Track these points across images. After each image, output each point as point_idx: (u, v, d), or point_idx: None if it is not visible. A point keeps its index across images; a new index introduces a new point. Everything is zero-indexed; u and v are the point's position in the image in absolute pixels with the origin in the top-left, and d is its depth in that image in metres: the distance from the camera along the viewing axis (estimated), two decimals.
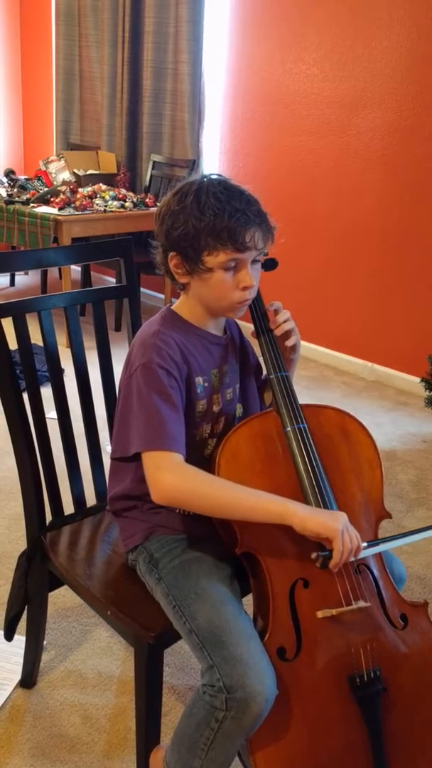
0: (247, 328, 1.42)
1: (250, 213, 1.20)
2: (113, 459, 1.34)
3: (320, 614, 1.18)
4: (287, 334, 1.36)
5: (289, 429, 1.27)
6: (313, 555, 1.18)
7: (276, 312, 1.36)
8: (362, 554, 1.18)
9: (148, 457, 1.19)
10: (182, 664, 1.78)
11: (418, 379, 3.18)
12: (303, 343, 3.89)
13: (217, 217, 1.19)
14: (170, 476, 1.17)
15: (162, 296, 4.64)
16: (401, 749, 1.20)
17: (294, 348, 1.39)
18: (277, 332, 1.35)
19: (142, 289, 4.71)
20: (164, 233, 1.25)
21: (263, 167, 4.03)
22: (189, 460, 1.31)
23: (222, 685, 1.10)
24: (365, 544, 1.18)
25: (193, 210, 1.20)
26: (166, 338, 1.26)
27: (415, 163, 3.39)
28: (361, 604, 1.20)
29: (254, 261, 1.26)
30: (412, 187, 3.43)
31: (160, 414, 1.19)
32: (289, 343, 1.37)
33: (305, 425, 1.28)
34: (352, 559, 1.17)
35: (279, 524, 1.16)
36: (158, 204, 4.11)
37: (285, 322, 1.36)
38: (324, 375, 3.86)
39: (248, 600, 1.29)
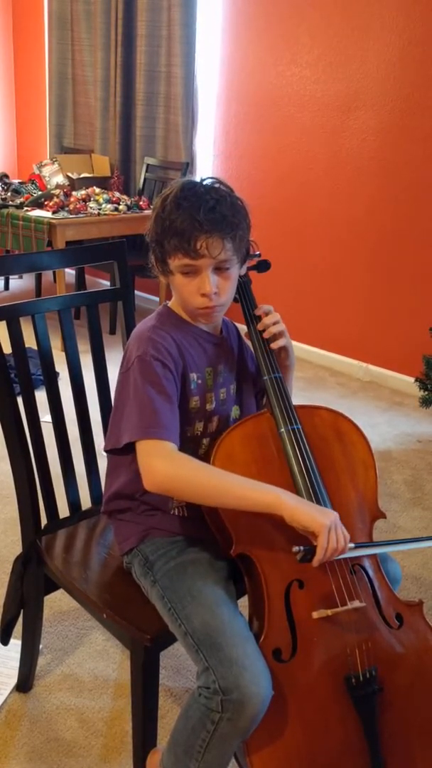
0: (243, 329, 1.42)
1: (206, 220, 1.19)
2: (105, 451, 1.34)
3: (316, 615, 1.18)
4: (275, 337, 1.36)
5: (283, 430, 1.28)
6: (294, 548, 1.17)
7: (266, 314, 1.37)
8: (347, 555, 1.17)
9: (141, 445, 1.20)
10: (179, 667, 1.78)
11: (412, 379, 3.19)
12: (298, 344, 3.93)
13: (172, 223, 1.20)
14: (162, 463, 1.18)
15: (157, 299, 4.64)
16: (398, 749, 1.20)
17: (286, 352, 1.39)
18: (265, 335, 1.36)
19: (136, 292, 4.71)
20: (146, 234, 1.28)
21: (257, 169, 4.03)
22: None
23: (218, 687, 1.10)
24: (352, 545, 1.18)
25: (159, 214, 1.24)
26: (162, 332, 1.28)
27: (409, 163, 3.40)
28: (357, 604, 1.20)
29: (220, 268, 1.24)
30: (406, 188, 3.44)
31: (154, 404, 1.20)
32: (275, 345, 1.36)
33: (299, 426, 1.28)
34: (340, 557, 1.16)
35: (274, 525, 1.17)
36: (152, 207, 4.09)
37: (273, 324, 1.36)
38: (319, 376, 3.86)
39: (244, 602, 1.29)
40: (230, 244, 1.23)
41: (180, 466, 1.18)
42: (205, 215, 1.19)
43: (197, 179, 1.26)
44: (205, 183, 1.25)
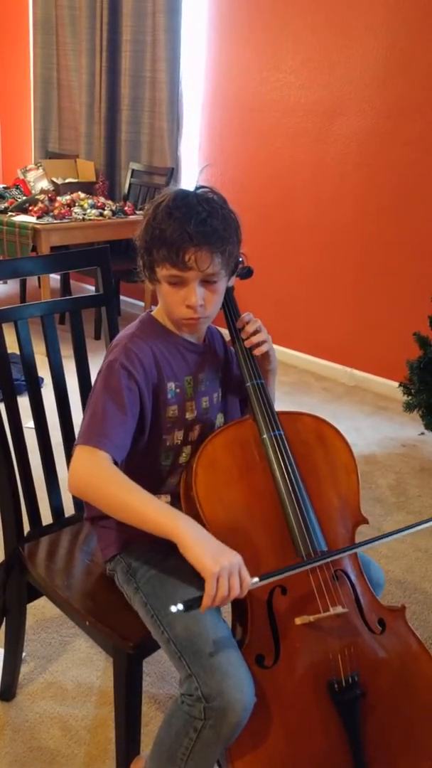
0: (226, 335, 1.43)
1: (196, 233, 1.17)
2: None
3: (298, 621, 1.18)
4: (257, 345, 1.36)
5: (265, 436, 1.28)
6: (172, 608, 1.07)
7: (247, 323, 1.37)
8: (253, 587, 1.11)
9: (78, 449, 1.20)
10: (162, 673, 1.77)
11: (396, 384, 3.21)
12: (283, 349, 3.95)
13: (162, 232, 1.19)
14: (83, 468, 1.18)
15: (142, 303, 4.63)
16: (381, 753, 1.20)
17: (268, 358, 1.39)
18: (246, 344, 1.36)
19: (122, 297, 4.71)
20: (135, 240, 1.27)
21: (242, 175, 4.05)
22: (163, 466, 1.32)
23: (200, 694, 1.09)
24: (256, 579, 1.11)
25: (149, 221, 1.22)
26: (140, 342, 1.28)
27: (393, 169, 3.43)
28: (339, 610, 1.20)
29: (208, 281, 1.24)
30: (390, 194, 3.47)
31: (104, 412, 1.20)
32: (257, 352, 1.36)
33: (282, 432, 1.29)
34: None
35: (255, 531, 1.17)
36: (138, 212, 4.05)
37: (254, 334, 1.35)
38: (304, 380, 3.87)
39: (227, 609, 1.29)
40: (219, 258, 1.22)
41: (96, 475, 1.17)
42: (196, 227, 1.18)
43: (190, 188, 1.25)
44: (198, 193, 1.24)
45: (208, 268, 1.21)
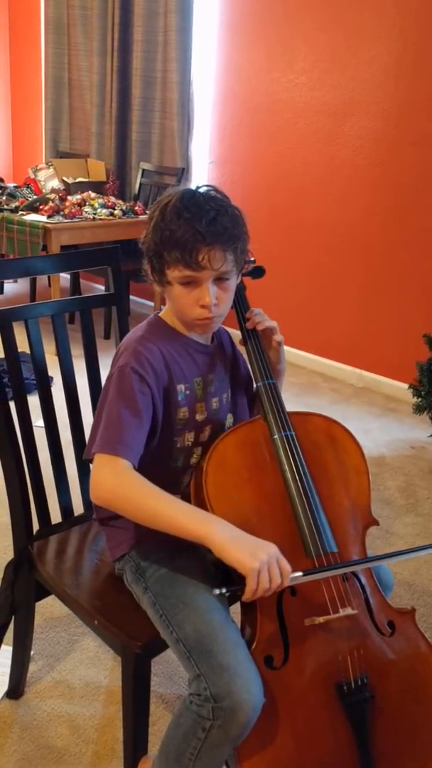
0: (237, 335, 1.42)
1: (208, 232, 1.17)
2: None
3: (308, 622, 1.18)
4: (269, 332, 1.37)
5: (276, 437, 1.27)
6: (216, 591, 1.12)
7: (255, 314, 1.38)
8: (292, 582, 1.13)
9: (98, 458, 1.20)
10: (170, 673, 1.77)
11: (406, 386, 3.20)
12: (292, 349, 3.94)
13: (172, 233, 1.18)
14: (108, 479, 1.17)
15: (152, 303, 4.64)
16: (388, 756, 1.20)
17: (277, 356, 1.39)
18: (259, 328, 1.36)
19: (131, 297, 4.71)
20: (141, 242, 1.26)
21: (252, 175, 4.04)
22: (174, 467, 1.31)
23: (209, 694, 1.09)
24: (300, 573, 1.13)
25: (157, 223, 1.21)
26: (149, 345, 1.27)
27: (403, 171, 3.41)
28: (348, 611, 1.20)
29: (220, 279, 1.24)
30: (400, 195, 3.46)
31: (120, 419, 1.20)
32: (277, 338, 1.37)
33: (293, 433, 1.28)
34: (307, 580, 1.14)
35: (265, 532, 1.16)
36: (148, 212, 4.10)
37: (265, 320, 1.37)
38: (312, 382, 3.87)
39: (236, 608, 1.29)
40: (231, 255, 1.22)
41: (122, 485, 1.17)
42: (207, 227, 1.18)
43: (193, 187, 1.25)
44: (203, 192, 1.24)
45: (221, 266, 1.21)
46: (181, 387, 1.30)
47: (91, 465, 1.23)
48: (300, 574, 1.13)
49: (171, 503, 1.15)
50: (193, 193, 1.22)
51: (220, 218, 1.19)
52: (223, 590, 1.11)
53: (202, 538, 1.10)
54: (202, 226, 1.17)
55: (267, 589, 1.08)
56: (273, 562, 1.09)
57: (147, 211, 4.11)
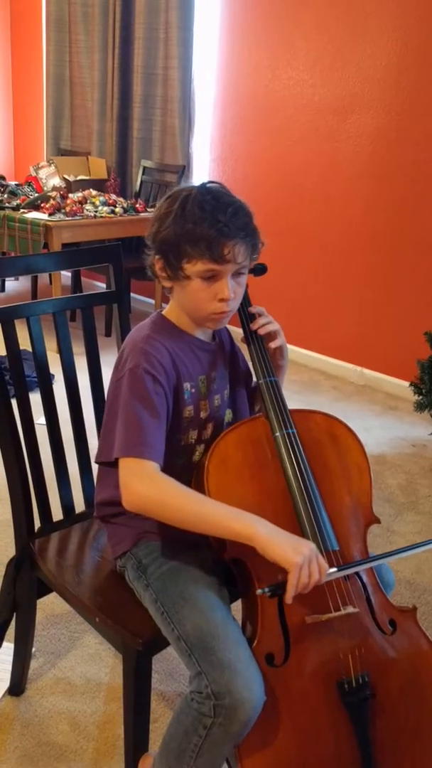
0: (237, 333, 1.42)
1: (232, 226, 1.18)
2: (97, 462, 1.33)
3: (309, 620, 1.18)
4: (271, 336, 1.37)
5: (278, 434, 1.27)
6: (258, 591, 1.14)
7: (259, 315, 1.38)
8: (328, 578, 1.15)
9: (123, 462, 1.19)
10: (171, 671, 1.77)
11: (407, 384, 3.19)
12: (293, 347, 3.92)
13: (197, 226, 1.18)
14: (141, 484, 1.17)
15: (152, 301, 4.64)
16: (389, 755, 1.20)
17: (281, 352, 1.39)
18: (261, 332, 1.36)
19: (132, 295, 4.71)
20: (152, 236, 1.25)
21: (253, 173, 4.04)
22: (176, 465, 1.31)
23: (210, 692, 1.09)
24: (334, 569, 1.15)
25: (177, 216, 1.20)
26: (156, 343, 1.26)
27: (405, 168, 3.41)
28: (350, 609, 1.20)
29: (237, 273, 1.25)
30: (401, 192, 3.45)
31: (140, 421, 1.19)
32: (273, 344, 1.37)
33: (294, 430, 1.28)
34: (330, 578, 1.15)
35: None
36: (149, 209, 4.05)
37: (268, 323, 1.37)
38: (314, 379, 3.87)
39: (237, 606, 1.29)
40: (250, 250, 1.23)
41: (158, 490, 1.17)
42: (230, 220, 1.19)
43: (197, 184, 1.26)
44: (218, 187, 1.25)
45: (243, 260, 1.22)
46: (187, 385, 1.30)
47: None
48: (335, 569, 1.15)
49: (208, 504, 1.16)
50: (210, 188, 1.23)
51: (240, 212, 1.21)
52: (266, 590, 1.13)
53: (246, 537, 1.12)
54: (226, 219, 1.18)
55: (306, 584, 1.10)
56: (313, 557, 1.12)
57: (149, 209, 4.11)
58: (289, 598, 1.11)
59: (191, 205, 1.19)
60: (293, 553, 1.10)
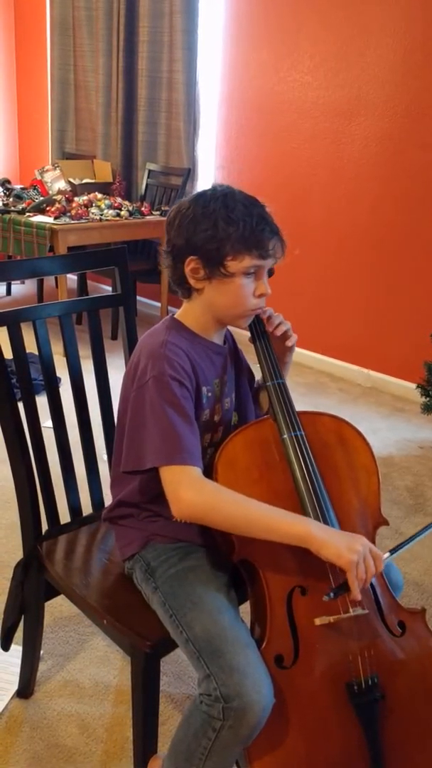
0: (240, 334, 1.42)
1: (272, 222, 1.24)
2: (124, 472, 1.29)
3: (318, 621, 1.18)
4: (286, 334, 1.38)
5: (286, 436, 1.27)
6: (324, 597, 1.15)
7: (269, 318, 1.38)
8: (384, 562, 1.17)
9: (167, 472, 1.18)
10: (180, 673, 1.77)
11: (414, 386, 3.19)
12: (299, 350, 3.92)
13: (246, 224, 1.21)
14: (190, 493, 1.16)
15: (158, 304, 4.64)
16: (399, 756, 1.20)
17: (292, 350, 1.41)
18: (276, 332, 1.37)
19: (138, 298, 4.72)
20: (184, 238, 1.23)
21: (258, 175, 4.04)
22: None
23: (219, 695, 1.09)
24: (388, 554, 1.18)
25: (221, 215, 1.21)
26: (176, 349, 1.25)
27: (410, 170, 3.41)
28: (359, 611, 1.19)
29: (270, 270, 1.29)
30: (407, 194, 3.45)
31: (175, 427, 1.18)
32: (289, 342, 1.39)
33: (302, 432, 1.28)
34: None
35: None
36: (155, 212, 4.04)
37: (281, 323, 1.38)
38: (320, 382, 3.86)
39: (245, 608, 1.28)
40: (284, 246, 1.27)
41: (209, 497, 1.17)
42: (270, 218, 1.24)
43: (202, 186, 1.27)
44: (236, 189, 1.27)
45: (281, 256, 1.26)
46: (204, 389, 1.30)
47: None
48: (388, 554, 1.17)
49: (260, 508, 1.16)
50: (236, 190, 1.26)
51: (267, 211, 1.25)
52: (330, 595, 1.14)
53: (301, 538, 1.13)
54: (266, 216, 1.23)
55: (364, 579, 1.12)
56: (367, 552, 1.13)
57: (154, 212, 4.11)
58: (356, 594, 1.12)
59: (234, 204, 1.22)
60: (348, 552, 1.11)
